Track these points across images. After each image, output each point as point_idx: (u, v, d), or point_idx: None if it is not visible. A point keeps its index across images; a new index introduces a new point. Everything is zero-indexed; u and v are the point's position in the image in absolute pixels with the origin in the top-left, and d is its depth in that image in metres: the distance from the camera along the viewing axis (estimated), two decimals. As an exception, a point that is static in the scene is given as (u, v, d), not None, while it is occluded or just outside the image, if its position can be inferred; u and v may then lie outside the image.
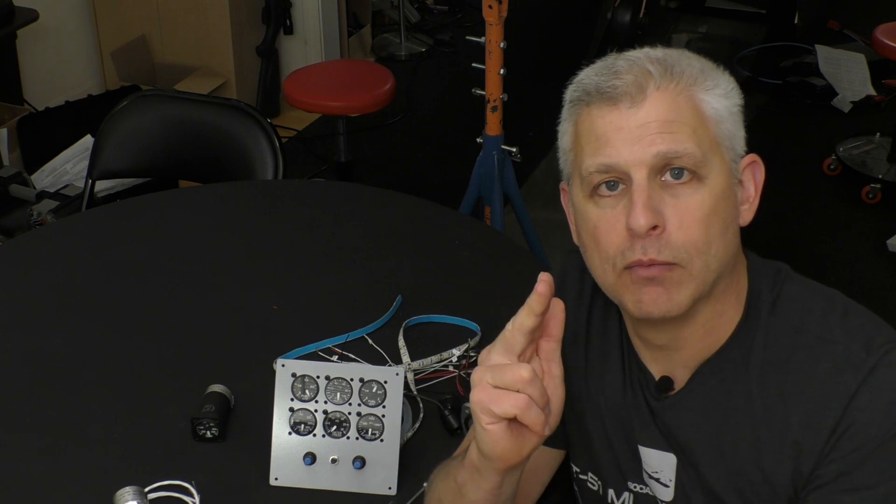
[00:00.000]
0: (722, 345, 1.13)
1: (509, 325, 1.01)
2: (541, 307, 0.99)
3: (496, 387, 0.99)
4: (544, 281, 0.99)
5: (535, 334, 1.02)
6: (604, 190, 1.08)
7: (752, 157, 1.13)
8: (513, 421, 1.00)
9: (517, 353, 1.01)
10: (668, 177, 1.06)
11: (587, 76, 1.12)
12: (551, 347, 1.04)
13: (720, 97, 1.09)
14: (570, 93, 1.13)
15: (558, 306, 1.02)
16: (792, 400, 1.08)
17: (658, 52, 1.11)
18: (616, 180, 1.07)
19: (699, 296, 1.08)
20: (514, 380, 0.98)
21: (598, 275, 1.13)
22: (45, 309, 1.85)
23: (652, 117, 1.06)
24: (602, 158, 1.07)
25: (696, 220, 1.06)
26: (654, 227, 1.05)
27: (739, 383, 1.11)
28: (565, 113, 1.14)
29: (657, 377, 1.17)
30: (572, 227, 1.18)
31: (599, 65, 1.12)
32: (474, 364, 1.66)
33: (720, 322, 1.12)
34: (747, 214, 1.13)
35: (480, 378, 1.01)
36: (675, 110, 1.06)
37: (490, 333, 1.71)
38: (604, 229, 1.08)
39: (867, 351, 1.06)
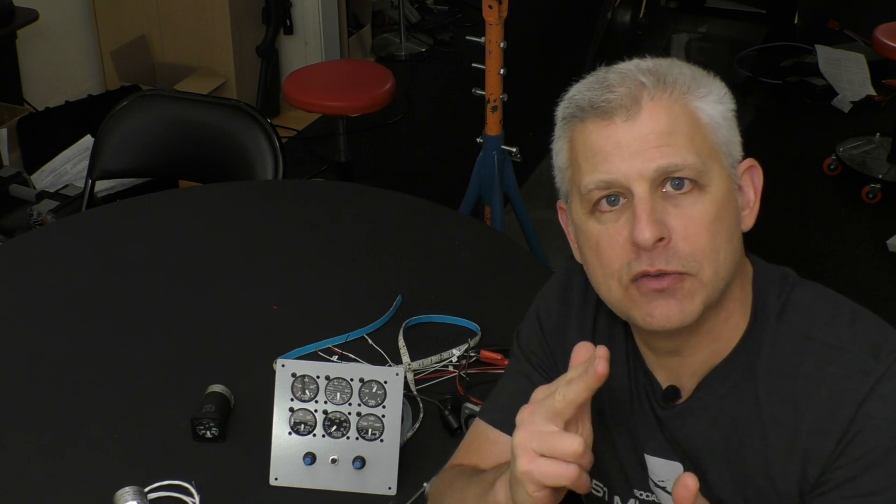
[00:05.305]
0: (729, 352, 1.12)
1: (559, 396, 0.99)
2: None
3: (543, 455, 0.98)
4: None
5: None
6: (604, 205, 1.07)
7: (750, 161, 1.13)
8: None
9: (564, 421, 1.00)
10: (668, 188, 1.05)
11: (579, 92, 1.10)
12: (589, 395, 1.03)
13: (714, 104, 1.08)
14: (563, 110, 1.12)
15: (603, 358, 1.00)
16: (800, 407, 1.07)
17: (648, 62, 1.10)
18: (616, 195, 1.06)
19: (710, 304, 1.07)
20: (565, 452, 0.97)
21: (603, 291, 1.12)
22: (45, 309, 1.85)
23: (649, 129, 1.05)
24: (601, 175, 1.06)
25: (702, 229, 1.05)
26: (660, 240, 1.04)
27: (747, 391, 1.11)
28: (559, 130, 1.13)
29: (664, 385, 1.17)
30: (573, 246, 1.17)
31: (590, 80, 1.10)
32: (474, 364, 1.67)
33: (726, 328, 1.12)
34: (748, 220, 1.12)
35: (526, 445, 0.99)
36: (672, 120, 1.05)
37: (490, 333, 1.71)
38: (606, 245, 1.07)
39: (876, 358, 1.06)
